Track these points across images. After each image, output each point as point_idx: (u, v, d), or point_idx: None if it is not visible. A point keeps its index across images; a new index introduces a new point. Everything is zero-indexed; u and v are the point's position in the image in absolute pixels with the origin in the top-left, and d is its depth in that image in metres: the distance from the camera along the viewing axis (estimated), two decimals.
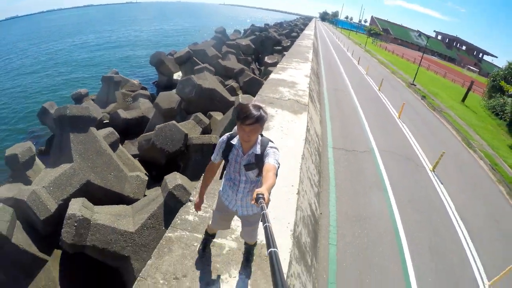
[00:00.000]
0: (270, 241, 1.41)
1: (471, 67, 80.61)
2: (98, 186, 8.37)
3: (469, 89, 29.12)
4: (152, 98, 17.51)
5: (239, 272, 3.86)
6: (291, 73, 15.08)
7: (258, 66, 30.74)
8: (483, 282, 6.47)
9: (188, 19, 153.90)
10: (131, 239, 6.88)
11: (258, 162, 3.00)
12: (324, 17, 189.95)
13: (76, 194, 7.79)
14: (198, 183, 5.89)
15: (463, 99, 28.09)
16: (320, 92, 18.18)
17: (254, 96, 11.62)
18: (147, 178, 9.51)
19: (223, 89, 15.83)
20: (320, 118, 13.46)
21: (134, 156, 11.73)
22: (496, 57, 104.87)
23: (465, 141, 15.45)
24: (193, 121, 12.21)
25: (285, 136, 7.81)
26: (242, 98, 11.75)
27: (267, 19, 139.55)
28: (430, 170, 10.82)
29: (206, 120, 12.61)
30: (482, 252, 7.43)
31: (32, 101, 27.82)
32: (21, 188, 8.04)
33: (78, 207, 6.74)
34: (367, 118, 15.04)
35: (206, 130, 12.54)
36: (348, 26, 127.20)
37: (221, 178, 3.59)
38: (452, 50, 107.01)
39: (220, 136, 3.82)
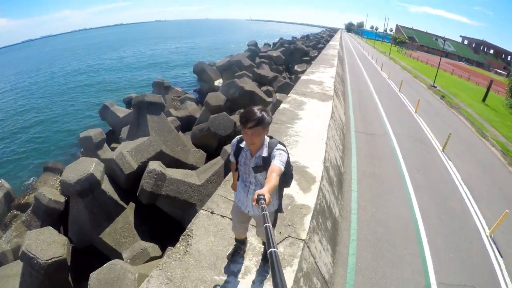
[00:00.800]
0: (270, 241, 1.45)
1: (499, 71, 79.48)
2: (168, 155, 10.98)
3: (488, 88, 29.93)
4: (197, 102, 20.23)
5: (257, 272, 3.91)
6: (319, 76, 17.36)
7: (288, 75, 32.99)
8: (484, 231, 7.83)
9: (218, 35, 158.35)
10: (197, 190, 9.27)
11: (265, 165, 3.03)
12: (349, 28, 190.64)
13: (151, 160, 10.31)
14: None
15: (484, 99, 28.91)
16: (345, 91, 20.28)
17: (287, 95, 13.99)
18: (205, 153, 12.18)
19: (261, 91, 18.30)
20: (344, 110, 15.58)
21: None
22: None
23: (479, 131, 16.62)
24: (237, 115, 14.69)
25: (315, 115, 10.12)
26: (279, 96, 14.14)
27: (293, 32, 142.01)
28: (440, 151, 12.46)
29: None
30: (484, 209, 8.71)
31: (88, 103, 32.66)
32: (106, 153, 10.71)
33: (156, 165, 9.27)
34: (385, 112, 16.94)
35: None
36: (373, 36, 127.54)
37: (237, 180, 3.63)
38: (479, 55, 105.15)
39: None
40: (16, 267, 8.52)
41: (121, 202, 9.53)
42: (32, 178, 18.76)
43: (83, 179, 8.51)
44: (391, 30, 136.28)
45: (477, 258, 6.83)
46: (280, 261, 1.35)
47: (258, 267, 3.99)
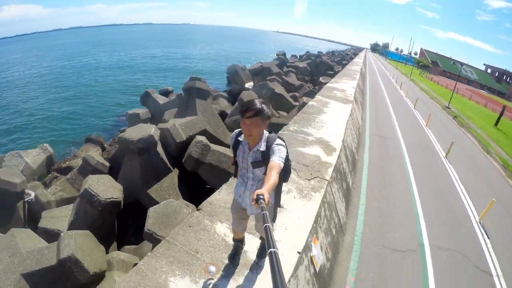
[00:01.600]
0: (270, 241, 1.45)
1: None
2: (211, 133, 13.09)
3: (501, 113, 31.13)
4: (228, 100, 22.44)
5: (250, 268, 3.98)
6: (341, 85, 19.37)
7: (312, 86, 34.88)
8: (475, 218, 9.24)
9: (245, 44, 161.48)
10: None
11: (264, 159, 3.01)
12: (374, 48, 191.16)
13: (197, 135, 12.25)
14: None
15: (496, 123, 29.91)
16: (363, 102, 22.18)
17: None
18: None
19: (288, 96, 20.38)
20: (361, 116, 17.49)
21: None
22: None
23: (484, 148, 17.87)
24: None
25: (336, 112, 12.18)
26: (305, 99, 16.18)
27: (319, 47, 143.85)
28: (444, 157, 14.04)
29: (277, 114, 17.14)
30: (476, 204, 9.97)
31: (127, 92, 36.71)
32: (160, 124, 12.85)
33: (202, 138, 11.24)
34: (398, 122, 18.73)
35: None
36: (397, 57, 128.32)
37: (235, 176, 3.66)
38: (502, 84, 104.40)
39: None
40: (65, 211, 10.05)
41: (169, 165, 11.49)
42: (72, 148, 21.27)
43: (144, 138, 10.31)
44: (415, 53, 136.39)
45: (466, 235, 8.22)
46: (280, 261, 1.32)
47: (253, 262, 4.11)
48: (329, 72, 38.70)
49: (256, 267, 4.04)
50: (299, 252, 4.32)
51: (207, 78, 47.55)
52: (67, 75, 53.78)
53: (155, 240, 6.78)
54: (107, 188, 9.27)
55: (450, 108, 30.47)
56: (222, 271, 3.94)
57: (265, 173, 3.00)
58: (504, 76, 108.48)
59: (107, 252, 7.95)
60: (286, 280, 3.80)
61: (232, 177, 4.04)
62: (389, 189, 9.76)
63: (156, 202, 9.75)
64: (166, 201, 7.95)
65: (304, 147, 8.03)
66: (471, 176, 12.62)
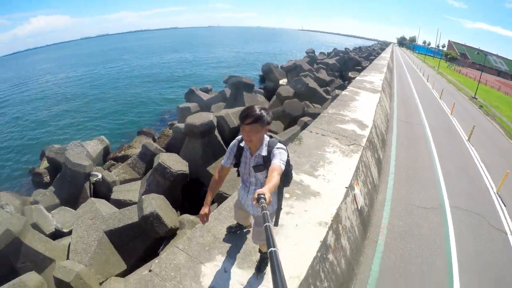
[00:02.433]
0: (270, 241, 1.44)
1: None
2: None
3: None
4: (264, 96, 24.31)
5: (248, 281, 3.83)
6: (370, 78, 20.81)
7: (342, 81, 36.19)
8: (492, 189, 10.11)
9: (271, 43, 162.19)
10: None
11: (266, 163, 3.06)
12: (401, 42, 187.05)
13: None
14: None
15: None
16: (391, 93, 23.44)
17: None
18: (283, 125, 16.21)
19: (321, 90, 22.01)
20: (390, 106, 18.91)
21: None
22: None
23: (508, 134, 18.36)
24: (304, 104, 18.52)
25: (366, 99, 13.76)
26: (338, 91, 17.82)
27: (345, 44, 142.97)
28: (466, 140, 15.10)
29: (313, 107, 18.83)
30: (495, 178, 10.81)
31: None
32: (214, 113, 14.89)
33: None
34: (424, 110, 19.92)
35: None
36: (424, 51, 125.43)
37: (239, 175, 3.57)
38: None
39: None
40: (134, 186, 11.60)
41: (224, 147, 13.39)
42: (123, 140, 23.60)
43: (205, 123, 12.27)
44: (443, 46, 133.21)
45: (484, 201, 9.23)
46: (280, 261, 1.28)
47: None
48: (357, 67, 39.82)
49: (253, 280, 3.89)
50: (346, 187, 6.04)
51: (242, 75, 50.16)
52: (103, 79, 58.85)
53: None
54: (176, 163, 11.14)
55: (476, 99, 30.78)
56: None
57: (267, 177, 2.93)
58: None
59: None
60: (339, 204, 5.51)
61: None
62: (415, 163, 11.20)
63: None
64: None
65: (342, 125, 9.73)
66: (491, 156, 13.53)
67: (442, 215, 8.14)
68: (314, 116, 16.05)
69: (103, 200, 10.05)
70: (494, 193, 9.92)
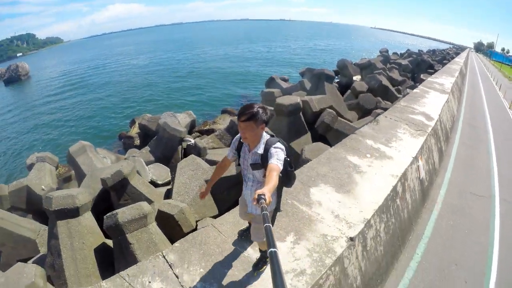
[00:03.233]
0: (270, 241, 1.46)
1: None
2: (335, 108, 16.26)
3: None
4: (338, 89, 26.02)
5: (243, 277, 4.01)
6: (440, 80, 21.67)
7: (413, 83, 36.49)
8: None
9: (342, 40, 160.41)
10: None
11: (263, 162, 3.09)
12: (478, 48, 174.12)
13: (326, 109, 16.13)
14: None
15: None
16: (460, 97, 23.98)
17: None
18: (357, 115, 18.00)
19: (393, 88, 23.31)
20: (457, 109, 19.83)
21: None
22: None
23: None
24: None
25: (435, 97, 15.09)
26: (409, 90, 19.15)
27: (419, 45, 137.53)
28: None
29: (384, 104, 20.30)
30: None
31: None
32: None
33: (332, 110, 15.04)
34: (490, 117, 20.26)
35: None
36: (502, 58, 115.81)
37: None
38: None
39: None
40: (223, 151, 13.26)
41: (306, 128, 15.31)
42: (207, 117, 27.05)
43: (293, 104, 13.97)
44: None
45: None
46: (280, 261, 1.30)
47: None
48: (430, 70, 39.41)
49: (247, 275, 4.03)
50: (412, 157, 7.91)
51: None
52: (182, 64, 64.74)
53: None
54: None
55: None
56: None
57: (264, 176, 3.11)
58: None
59: None
60: (406, 167, 7.45)
61: None
62: (473, 160, 12.35)
63: (296, 153, 13.77)
64: None
65: (412, 115, 11.38)
66: None
67: (491, 203, 9.25)
68: (386, 110, 17.68)
69: (199, 158, 11.68)
70: None
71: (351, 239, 4.84)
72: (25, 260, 7.72)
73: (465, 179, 10.50)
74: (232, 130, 16.68)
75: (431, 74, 37.38)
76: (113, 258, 6.85)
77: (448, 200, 8.76)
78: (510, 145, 15.62)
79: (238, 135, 3.37)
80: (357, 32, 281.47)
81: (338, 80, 32.18)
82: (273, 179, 2.65)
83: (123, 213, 7.02)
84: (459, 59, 53.26)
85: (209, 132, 19.72)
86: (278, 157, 2.92)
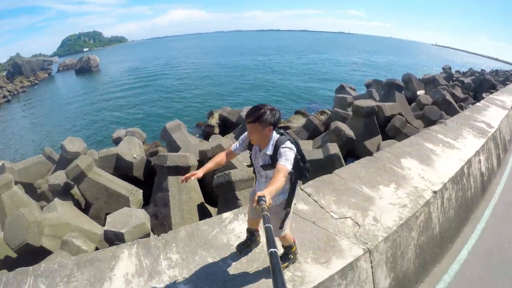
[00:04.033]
0: (270, 241, 1.48)
1: None
2: (403, 116, 18.79)
3: None
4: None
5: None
6: (501, 98, 22.91)
7: (475, 101, 37.21)
8: None
9: (403, 56, 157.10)
10: None
11: (273, 163, 3.07)
12: None
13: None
14: None
15: None
16: None
17: None
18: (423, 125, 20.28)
19: (456, 104, 24.99)
20: None
21: None
22: None
23: None
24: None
25: (495, 112, 16.99)
26: (471, 106, 21.03)
27: (482, 65, 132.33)
28: None
29: (447, 118, 22.20)
30: None
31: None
32: None
33: (401, 116, 17.68)
34: None
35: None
36: None
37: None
38: None
39: None
40: (306, 142, 17.30)
41: (378, 130, 17.14)
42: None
43: (369, 106, 16.39)
44: None
45: None
46: (280, 262, 1.33)
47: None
48: (492, 90, 39.72)
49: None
50: (475, 150, 10.25)
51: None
52: (253, 69, 72.86)
53: None
54: (347, 130, 15.42)
55: None
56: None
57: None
58: None
59: None
60: (471, 156, 9.96)
61: None
62: None
63: (369, 150, 15.00)
64: None
65: (474, 122, 13.48)
66: None
67: None
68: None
69: None
70: None
71: (435, 192, 6.76)
72: None
73: None
74: (308, 127, 19.49)
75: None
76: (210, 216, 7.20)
77: (503, 198, 9.67)
78: None
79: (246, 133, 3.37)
80: (416, 48, 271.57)
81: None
82: (277, 181, 2.68)
83: (235, 173, 7.94)
84: None
85: (285, 129, 22.69)
86: (286, 157, 2.94)
